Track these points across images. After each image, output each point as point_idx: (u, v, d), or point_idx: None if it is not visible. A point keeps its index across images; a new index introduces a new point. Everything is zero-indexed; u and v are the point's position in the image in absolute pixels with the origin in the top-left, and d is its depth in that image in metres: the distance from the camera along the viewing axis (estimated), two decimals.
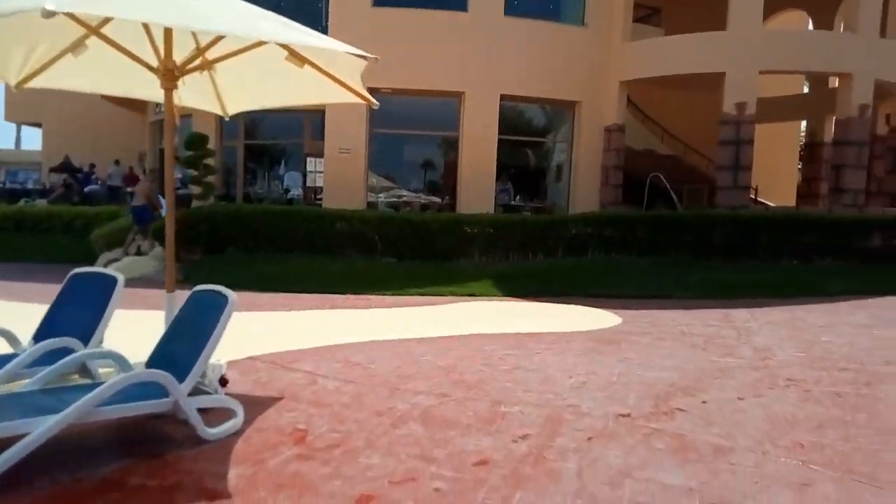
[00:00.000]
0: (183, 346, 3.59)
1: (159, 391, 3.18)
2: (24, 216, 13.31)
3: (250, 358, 5.27)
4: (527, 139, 14.97)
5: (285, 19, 3.69)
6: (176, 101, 5.16)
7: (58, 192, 15.48)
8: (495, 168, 13.11)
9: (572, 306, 8.42)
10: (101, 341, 4.16)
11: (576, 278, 9.58)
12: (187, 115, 16.87)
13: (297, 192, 14.90)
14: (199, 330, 3.52)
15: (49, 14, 2.48)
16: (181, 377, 3.27)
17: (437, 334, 6.42)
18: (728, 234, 10.54)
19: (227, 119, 5.21)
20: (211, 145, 15.79)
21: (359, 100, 4.69)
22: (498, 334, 6.46)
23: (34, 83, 4.43)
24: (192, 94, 5.01)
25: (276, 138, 16.55)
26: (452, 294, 9.02)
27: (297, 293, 9.11)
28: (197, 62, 4.10)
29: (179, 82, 4.75)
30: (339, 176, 12.62)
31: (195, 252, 10.99)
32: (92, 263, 11.82)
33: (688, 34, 12.95)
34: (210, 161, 11.12)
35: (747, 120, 12.12)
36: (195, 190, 11.53)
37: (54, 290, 4.61)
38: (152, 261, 10.81)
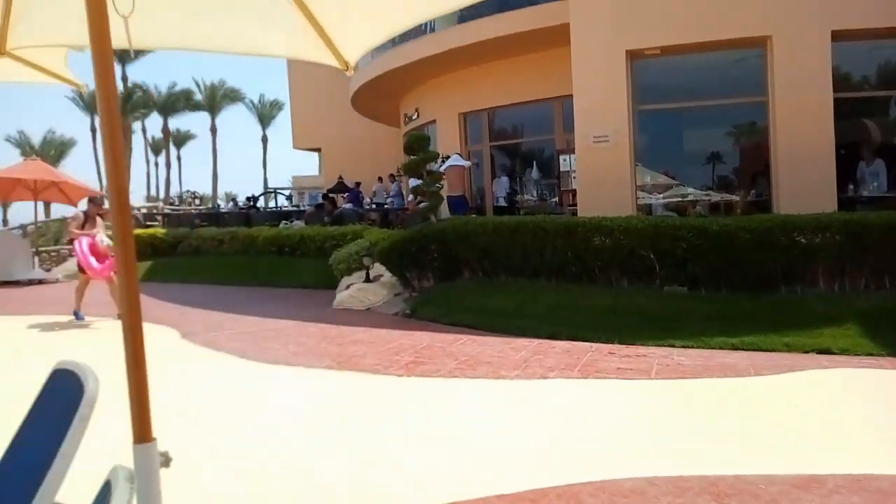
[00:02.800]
0: None
1: None
2: (282, 239, 13.24)
3: None
4: (877, 95, 10.10)
5: None
6: (252, 45, 2.91)
7: (308, 212, 15.52)
8: (833, 143, 8.79)
9: None
10: None
11: None
12: (431, 121, 15.72)
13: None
14: None
15: None
16: None
17: (787, 466, 3.18)
18: None
19: (349, 74, 2.75)
20: (456, 150, 14.27)
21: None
22: None
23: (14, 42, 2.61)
24: (273, 33, 2.62)
25: (524, 135, 14.30)
26: (789, 349, 5.48)
27: (542, 338, 6.55)
28: None
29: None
30: (596, 174, 9.68)
31: (427, 278, 9.18)
32: (335, 288, 10.92)
33: None
34: (435, 166, 9.21)
35: None
36: (407, 202, 9.73)
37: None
38: (381, 289, 9.29)
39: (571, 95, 10.19)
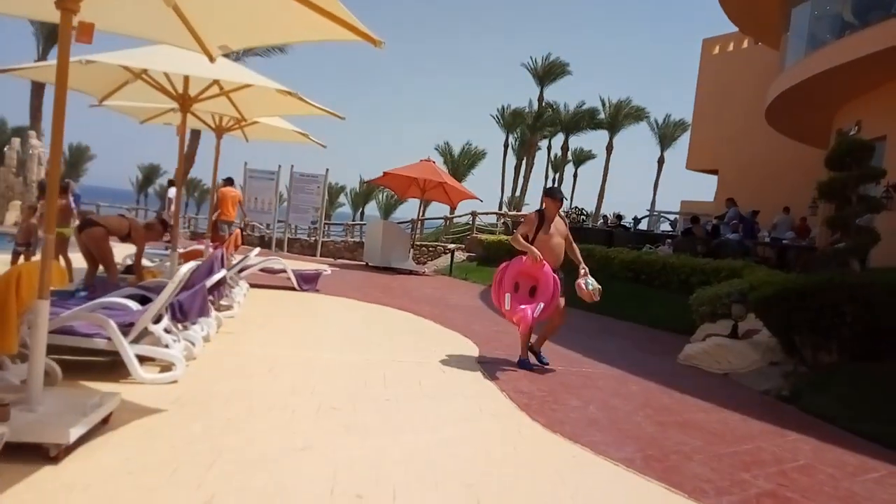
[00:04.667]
0: None
1: None
2: (641, 265, 11.32)
3: None
4: None
5: None
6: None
7: (679, 239, 12.96)
8: None
9: None
10: None
11: None
12: (879, 137, 11.47)
13: None
14: None
15: None
16: None
17: None
18: None
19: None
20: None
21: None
22: None
23: None
24: None
25: None
26: None
27: None
28: None
29: None
30: None
31: (828, 351, 6.16)
32: (692, 334, 8.62)
33: None
34: (875, 189, 6.02)
35: None
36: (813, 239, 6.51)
37: None
38: (750, 350, 6.64)
39: None
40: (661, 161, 49.55)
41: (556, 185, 50.57)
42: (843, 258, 6.35)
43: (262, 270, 9.14)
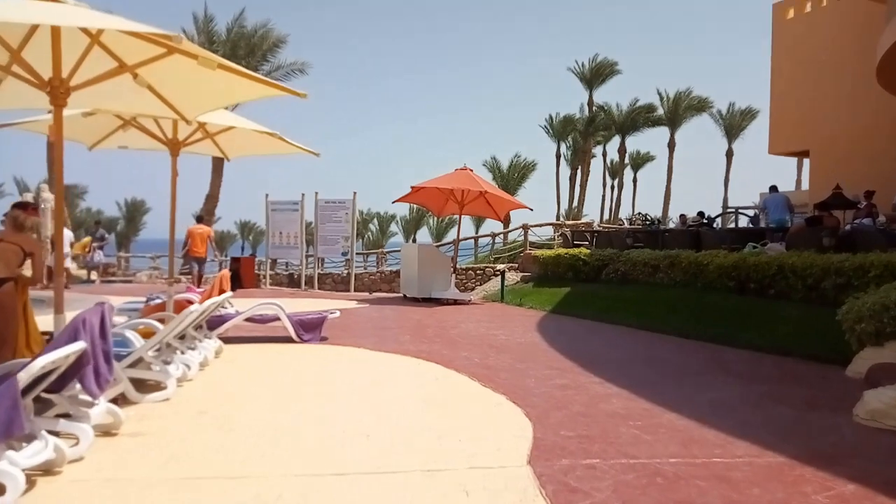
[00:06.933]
0: None
1: None
2: (747, 270, 8.63)
3: None
4: None
5: None
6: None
7: (794, 228, 10.08)
8: None
9: None
10: None
11: None
12: None
13: None
14: None
15: None
16: None
17: None
18: None
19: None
20: None
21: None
22: None
23: None
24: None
25: None
26: None
27: None
28: None
29: None
30: None
31: None
32: (846, 364, 6.00)
33: None
34: None
35: None
36: None
37: None
38: None
39: None
40: (729, 154, 45.82)
41: (615, 191, 47.25)
42: None
43: (249, 321, 7.10)
